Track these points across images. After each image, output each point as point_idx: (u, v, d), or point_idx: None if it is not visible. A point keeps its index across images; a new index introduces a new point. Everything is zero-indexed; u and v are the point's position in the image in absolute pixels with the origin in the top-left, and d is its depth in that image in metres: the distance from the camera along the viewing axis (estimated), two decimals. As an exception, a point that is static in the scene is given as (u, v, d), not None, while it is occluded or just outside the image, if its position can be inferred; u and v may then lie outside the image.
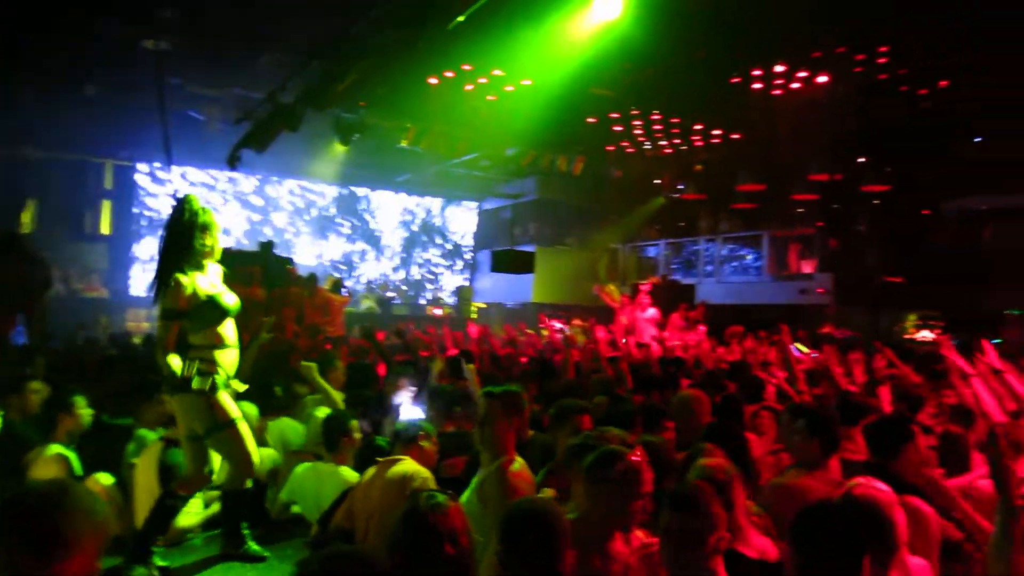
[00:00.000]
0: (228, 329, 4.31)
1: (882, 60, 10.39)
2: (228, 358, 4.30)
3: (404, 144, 13.82)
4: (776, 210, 16.82)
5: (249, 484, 4.44)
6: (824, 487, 3.35)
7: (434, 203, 21.14)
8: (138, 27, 9.48)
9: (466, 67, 11.06)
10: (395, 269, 20.53)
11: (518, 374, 6.88)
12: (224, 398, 4.23)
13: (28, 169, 13.89)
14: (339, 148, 15.06)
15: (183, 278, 4.15)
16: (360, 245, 19.82)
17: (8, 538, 1.36)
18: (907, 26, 9.27)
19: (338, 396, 5.71)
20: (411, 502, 2.63)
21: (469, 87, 11.91)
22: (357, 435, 4.96)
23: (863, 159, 14.83)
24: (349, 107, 11.92)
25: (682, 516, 2.32)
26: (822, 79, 11.05)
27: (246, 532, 4.49)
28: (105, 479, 4.61)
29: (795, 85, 11.31)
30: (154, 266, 4.27)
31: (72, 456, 4.40)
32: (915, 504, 2.97)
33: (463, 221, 21.69)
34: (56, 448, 4.33)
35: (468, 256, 21.68)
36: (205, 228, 4.24)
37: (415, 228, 20.84)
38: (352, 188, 19.56)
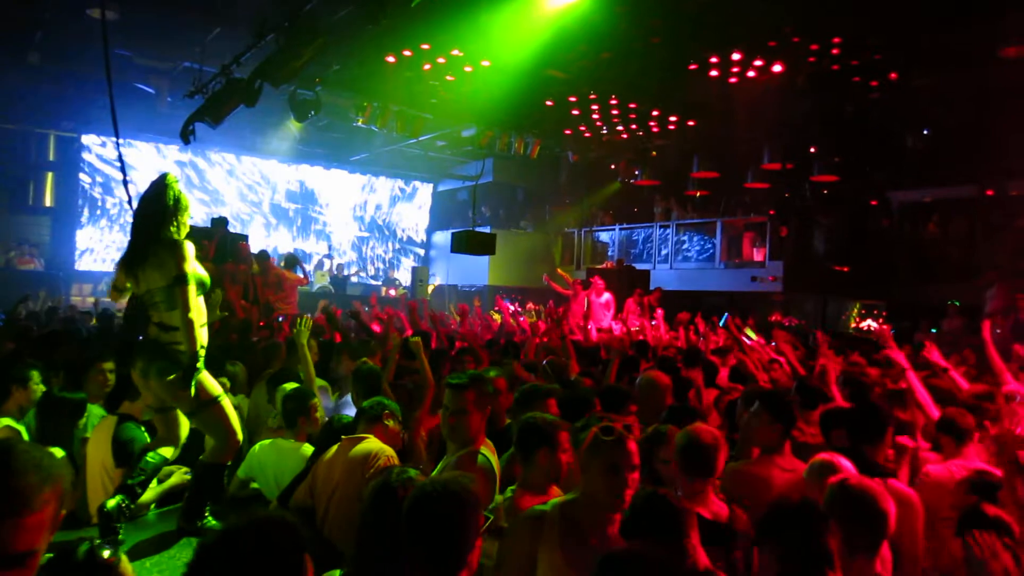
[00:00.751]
0: (202, 305, 4.25)
1: (835, 51, 10.62)
2: (204, 335, 4.23)
3: (360, 123, 13.67)
4: (729, 198, 17.13)
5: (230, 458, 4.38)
6: (783, 473, 3.46)
7: (384, 197, 20.99)
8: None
9: (425, 46, 10.96)
10: (347, 263, 20.40)
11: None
12: (207, 375, 4.19)
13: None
14: (294, 125, 14.86)
15: (188, 244, 4.12)
16: (311, 242, 19.62)
17: None
18: (860, 17, 9.47)
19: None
20: (382, 477, 2.63)
21: (427, 67, 11.81)
22: (319, 413, 4.93)
23: (814, 149, 15.16)
24: (306, 84, 11.73)
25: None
26: (777, 68, 11.24)
27: (207, 508, 4.43)
28: (57, 452, 4.51)
29: (751, 73, 11.48)
30: (132, 240, 4.19)
31: (22, 429, 4.30)
32: (900, 488, 3.10)
33: (414, 212, 21.62)
34: (6, 421, 4.22)
35: (421, 240, 21.62)
36: (184, 209, 4.21)
37: (365, 223, 20.73)
38: (305, 167, 19.30)
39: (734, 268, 15.83)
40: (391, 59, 11.44)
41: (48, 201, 15.51)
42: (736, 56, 10.97)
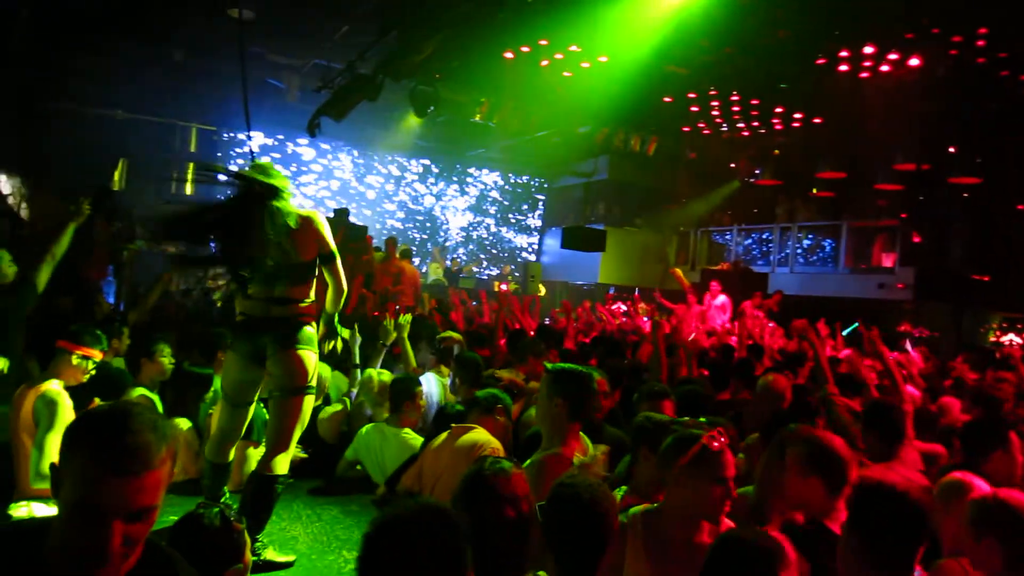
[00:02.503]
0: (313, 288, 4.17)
1: (980, 43, 9.88)
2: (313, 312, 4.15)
3: (477, 118, 13.86)
4: (857, 199, 16.29)
5: (283, 469, 3.87)
6: (900, 479, 3.28)
7: (497, 192, 21.23)
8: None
9: (543, 42, 10.99)
10: (462, 243, 20.73)
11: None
12: (317, 359, 4.05)
13: (118, 130, 14.48)
14: (413, 120, 15.23)
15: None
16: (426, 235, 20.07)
17: (80, 453, 1.40)
18: (1010, 6, 8.78)
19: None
20: (475, 465, 2.67)
21: (545, 62, 11.83)
22: (422, 401, 5.06)
23: (953, 149, 14.18)
24: (425, 79, 12.01)
25: None
26: (914, 62, 10.58)
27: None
28: (184, 423, 4.84)
29: (884, 68, 10.86)
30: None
31: (155, 399, 4.62)
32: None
33: (528, 209, 21.75)
34: (140, 390, 4.55)
35: (533, 236, 21.72)
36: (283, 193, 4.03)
37: (478, 219, 21.00)
38: (421, 161, 19.76)
39: (859, 273, 15.04)
40: (509, 55, 11.54)
41: (189, 189, 16.61)
42: (869, 50, 10.41)
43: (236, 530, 2.21)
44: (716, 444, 2.45)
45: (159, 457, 1.43)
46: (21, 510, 3.56)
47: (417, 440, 4.74)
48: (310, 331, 3.99)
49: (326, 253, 4.07)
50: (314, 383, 3.99)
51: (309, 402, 3.96)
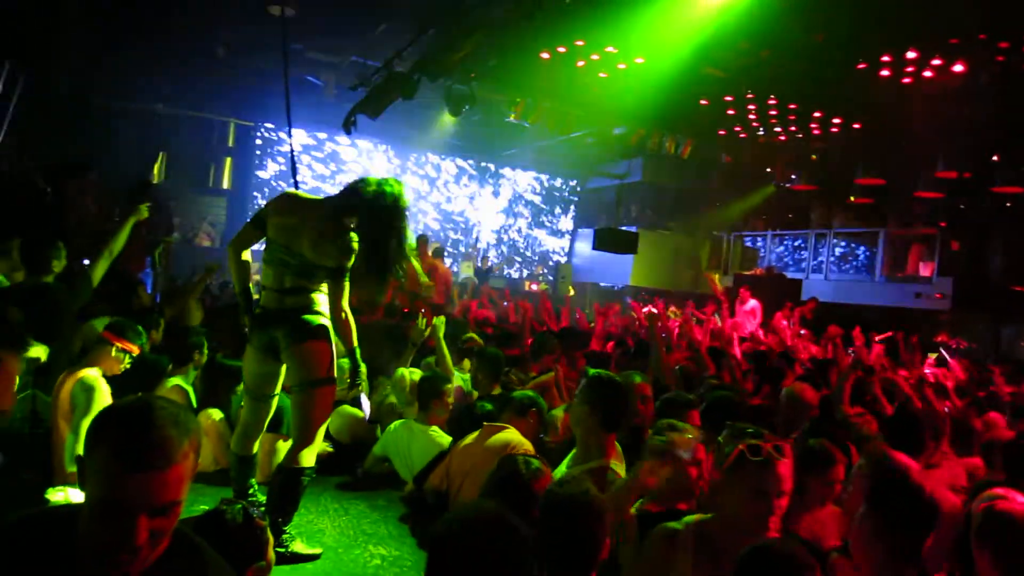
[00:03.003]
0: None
1: (1028, 50, 9.67)
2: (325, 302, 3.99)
3: (512, 118, 13.88)
4: (895, 207, 16.02)
5: (310, 462, 3.84)
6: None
7: (530, 192, 21.23)
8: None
9: (579, 42, 10.96)
10: (496, 242, 20.77)
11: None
12: (334, 350, 3.94)
13: (159, 124, 14.75)
14: (447, 119, 15.28)
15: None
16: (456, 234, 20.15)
17: (103, 449, 1.41)
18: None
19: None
20: (509, 465, 2.67)
21: (581, 63, 11.80)
22: (450, 399, 5.08)
23: (996, 157, 13.87)
24: (461, 78, 12.05)
25: None
26: (958, 68, 10.37)
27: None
28: (216, 414, 4.92)
29: (927, 74, 10.65)
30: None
31: (190, 390, 4.70)
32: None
33: (559, 209, 21.73)
34: (176, 380, 4.63)
35: (564, 237, 21.70)
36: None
37: (509, 219, 21.02)
38: (455, 160, 19.83)
39: (896, 282, 14.79)
40: (545, 55, 11.53)
41: (226, 183, 16.86)
42: (912, 55, 10.22)
43: (259, 527, 2.20)
44: (762, 453, 2.34)
45: (181, 452, 1.43)
46: (58, 495, 3.63)
47: (445, 438, 4.76)
48: (324, 322, 3.87)
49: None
50: (335, 374, 3.89)
51: (331, 393, 3.87)
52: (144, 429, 1.40)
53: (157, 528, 1.42)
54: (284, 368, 3.93)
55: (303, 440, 3.81)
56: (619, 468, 3.25)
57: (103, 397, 3.89)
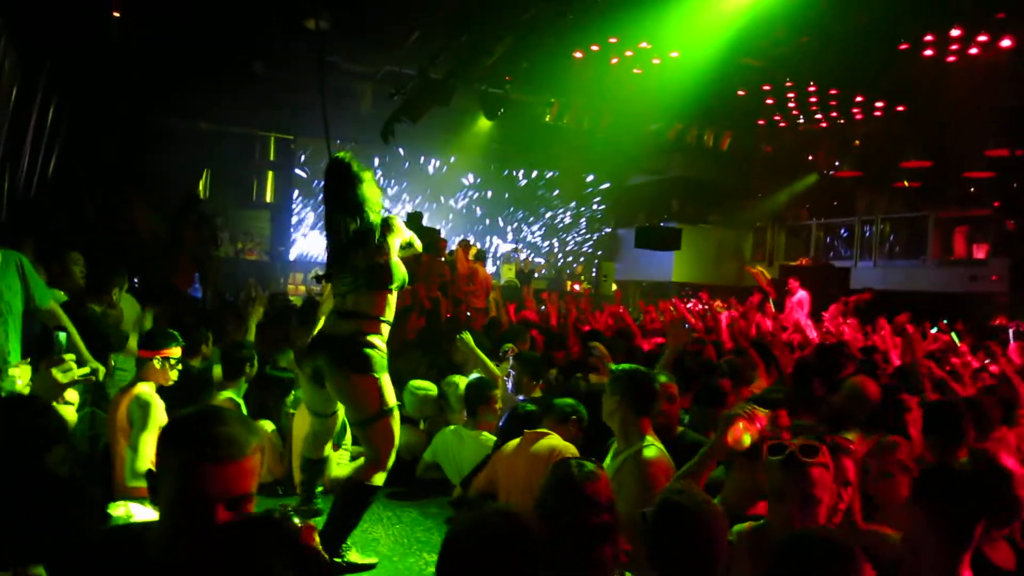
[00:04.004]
0: (392, 301, 3.87)
1: (1079, 21, 9.35)
2: (387, 334, 3.86)
3: (548, 119, 13.86)
4: (944, 189, 15.59)
5: (380, 481, 3.79)
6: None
7: (569, 193, 21.19)
8: (301, 6, 9.98)
9: (612, 40, 10.91)
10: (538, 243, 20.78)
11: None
12: (388, 380, 3.77)
13: (202, 141, 15.06)
14: (484, 124, 15.32)
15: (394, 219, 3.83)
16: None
17: (179, 450, 1.50)
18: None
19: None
20: (563, 470, 2.65)
21: (615, 60, 11.74)
22: (498, 404, 5.08)
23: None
24: (496, 82, 12.08)
25: None
26: (1005, 43, 10.05)
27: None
28: (267, 425, 5.00)
29: (973, 51, 10.35)
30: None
31: (241, 403, 4.78)
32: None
33: (599, 208, 21.67)
34: (228, 393, 4.72)
35: (605, 235, 21.60)
36: (361, 180, 3.79)
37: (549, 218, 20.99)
38: (491, 163, 19.89)
39: (948, 266, 14.40)
40: (578, 54, 11.49)
41: (268, 197, 17.14)
42: (955, 32, 9.95)
43: (293, 530, 2.23)
44: (800, 457, 2.28)
45: (251, 446, 1.53)
46: (120, 509, 3.72)
47: (494, 441, 4.76)
48: (374, 352, 3.68)
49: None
50: (391, 403, 3.75)
51: (388, 424, 3.74)
52: (219, 425, 1.51)
53: (227, 519, 1.50)
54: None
55: (376, 463, 3.75)
56: (658, 443, 3.34)
57: (158, 411, 3.98)
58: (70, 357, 2.16)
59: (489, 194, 20.39)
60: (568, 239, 21.43)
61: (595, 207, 21.51)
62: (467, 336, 5.58)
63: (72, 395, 2.51)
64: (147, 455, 3.88)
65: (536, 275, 18.79)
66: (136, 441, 3.88)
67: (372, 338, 3.71)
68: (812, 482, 2.27)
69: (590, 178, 21.28)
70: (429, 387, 5.67)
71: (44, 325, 3.81)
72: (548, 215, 21.20)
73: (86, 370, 2.20)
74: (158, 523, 1.57)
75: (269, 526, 1.86)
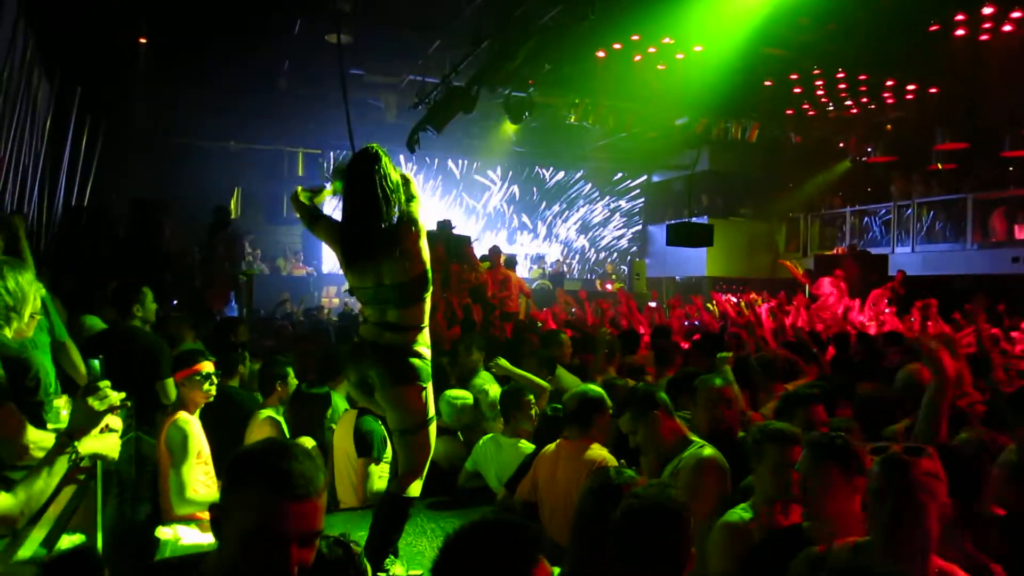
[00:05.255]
0: (428, 303, 3.77)
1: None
2: (428, 337, 3.79)
3: (573, 120, 13.82)
4: (981, 170, 15.22)
5: (417, 492, 3.74)
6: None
7: (597, 191, 21.09)
8: (322, 22, 10.08)
9: (635, 37, 10.85)
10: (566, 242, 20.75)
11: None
12: (431, 389, 3.73)
13: (231, 160, 15.28)
14: (509, 128, 15.34)
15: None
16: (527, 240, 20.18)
17: (256, 485, 1.48)
18: None
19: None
20: (601, 477, 2.62)
21: (638, 58, 11.67)
22: (533, 410, 5.04)
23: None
24: (519, 86, 12.07)
25: None
26: (1040, 18, 9.81)
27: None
28: (308, 442, 5.01)
29: (1007, 28, 10.10)
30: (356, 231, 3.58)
31: (282, 420, 4.80)
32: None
33: (630, 206, 21.56)
34: (268, 412, 4.75)
35: (637, 233, 21.48)
36: (408, 182, 3.70)
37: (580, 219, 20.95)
38: (520, 167, 19.92)
39: (989, 248, 14.05)
40: (601, 54, 11.44)
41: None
42: (988, 10, 9.71)
43: (356, 555, 2.22)
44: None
45: (323, 482, 1.52)
46: (167, 532, 3.76)
47: (531, 448, 4.73)
48: (421, 363, 3.64)
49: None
50: (431, 413, 3.74)
51: (428, 434, 3.71)
52: (296, 461, 1.49)
53: (303, 560, 1.49)
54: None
55: (412, 473, 3.71)
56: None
57: (196, 438, 4.01)
58: (105, 384, 2.15)
59: (517, 195, 20.39)
60: (599, 236, 21.34)
61: (624, 203, 21.41)
62: (503, 361, 5.51)
63: (116, 422, 2.53)
64: (191, 483, 3.92)
65: (568, 277, 18.74)
66: (179, 469, 3.92)
67: (419, 347, 3.66)
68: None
69: (617, 176, 21.19)
70: (466, 396, 5.63)
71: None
72: (581, 208, 21.12)
73: (122, 395, 2.19)
74: (218, 558, 1.53)
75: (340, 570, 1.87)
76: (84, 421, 2.10)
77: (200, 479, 4.01)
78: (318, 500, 1.50)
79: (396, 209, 3.52)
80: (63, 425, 2.44)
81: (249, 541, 1.45)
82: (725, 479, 3.36)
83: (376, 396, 3.72)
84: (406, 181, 3.69)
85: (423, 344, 3.69)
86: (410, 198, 3.64)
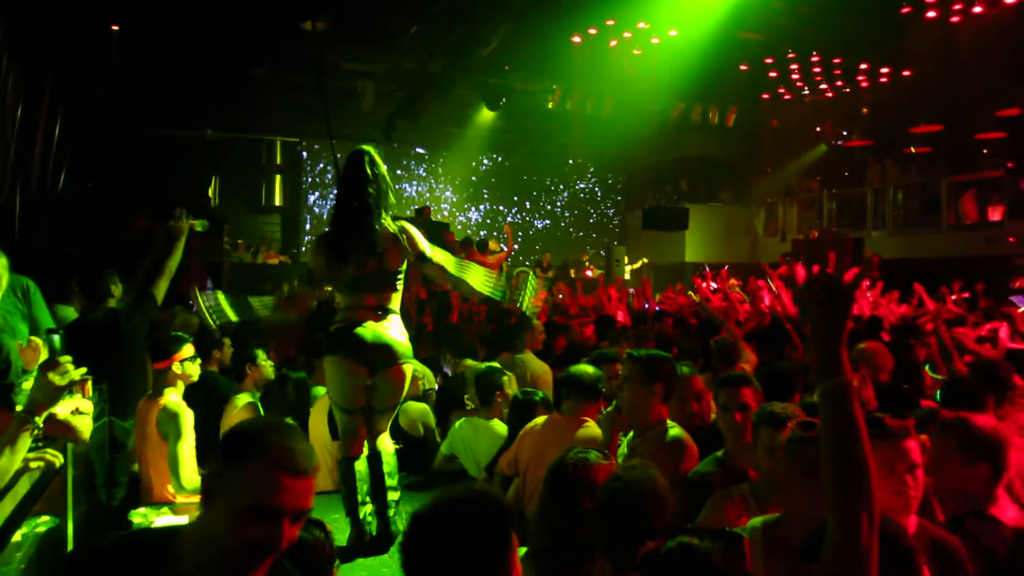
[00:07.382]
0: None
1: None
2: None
3: (550, 106, 13.82)
4: (956, 152, 15.39)
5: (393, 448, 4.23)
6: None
7: (574, 178, 21.15)
8: (298, 8, 10.00)
9: (609, 22, 10.86)
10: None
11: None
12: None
13: (209, 149, 15.14)
14: (486, 115, 15.29)
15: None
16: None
17: (257, 460, 1.49)
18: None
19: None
20: (561, 455, 2.67)
21: (613, 43, 11.69)
22: (510, 391, 5.08)
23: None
24: (495, 72, 12.05)
25: None
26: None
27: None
28: (288, 422, 5.02)
29: (977, 9, 10.22)
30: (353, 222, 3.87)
31: (259, 404, 4.82)
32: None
33: (606, 192, 21.58)
34: (246, 396, 4.77)
35: (615, 219, 21.52)
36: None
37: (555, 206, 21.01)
38: (495, 153, 19.86)
39: (964, 230, 14.23)
40: (577, 39, 11.44)
41: (278, 201, 17.22)
42: (959, -8, 9.84)
43: (330, 535, 2.23)
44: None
45: (317, 461, 1.55)
46: (140, 515, 3.77)
47: (506, 430, 4.76)
48: (409, 343, 4.06)
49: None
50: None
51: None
52: (296, 439, 1.53)
53: (291, 537, 1.51)
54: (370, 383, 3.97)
55: (383, 431, 4.13)
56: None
57: (188, 420, 4.04)
58: (66, 359, 2.12)
59: (494, 180, 20.39)
60: (577, 223, 21.36)
61: (600, 191, 21.42)
62: (470, 362, 5.62)
63: (87, 405, 2.52)
64: (190, 465, 3.95)
65: (545, 265, 18.74)
66: (174, 453, 3.93)
67: (404, 331, 4.05)
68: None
69: (592, 167, 21.22)
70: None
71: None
72: (560, 191, 21.15)
73: (83, 370, 2.17)
74: (199, 531, 1.53)
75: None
76: (44, 397, 2.07)
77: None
78: (313, 479, 1.52)
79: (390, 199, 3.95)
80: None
81: (243, 515, 1.46)
82: (691, 458, 3.37)
83: (377, 378, 3.94)
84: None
85: (404, 328, 4.06)
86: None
